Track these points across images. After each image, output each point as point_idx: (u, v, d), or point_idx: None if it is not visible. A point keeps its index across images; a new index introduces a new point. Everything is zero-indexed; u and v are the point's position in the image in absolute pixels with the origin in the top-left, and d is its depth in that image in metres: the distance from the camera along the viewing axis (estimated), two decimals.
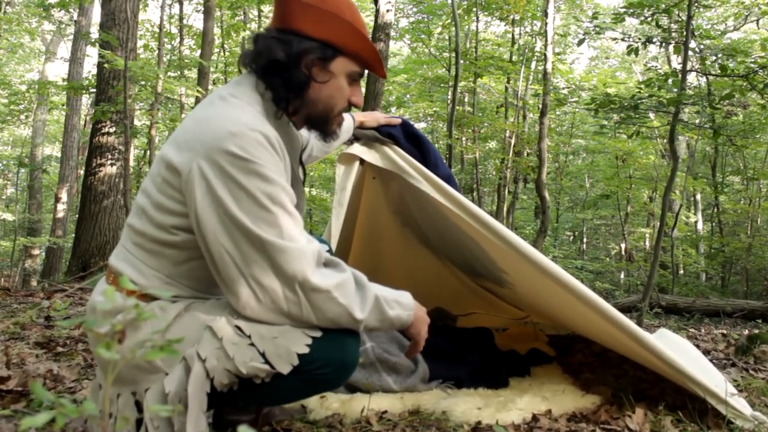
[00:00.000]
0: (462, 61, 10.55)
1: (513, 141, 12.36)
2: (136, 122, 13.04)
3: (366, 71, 1.90)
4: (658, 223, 5.39)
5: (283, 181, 1.64)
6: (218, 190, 1.56)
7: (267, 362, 1.59)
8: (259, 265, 1.57)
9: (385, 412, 2.31)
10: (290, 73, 1.75)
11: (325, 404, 2.30)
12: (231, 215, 1.56)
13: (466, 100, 15.55)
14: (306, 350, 1.60)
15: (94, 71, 10.16)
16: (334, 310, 1.60)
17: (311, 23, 1.74)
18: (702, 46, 6.05)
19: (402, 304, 1.75)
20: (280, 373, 1.60)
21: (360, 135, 2.66)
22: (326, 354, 1.63)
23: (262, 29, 1.83)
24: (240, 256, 1.57)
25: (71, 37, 16.01)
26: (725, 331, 5.32)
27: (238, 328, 1.61)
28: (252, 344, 1.60)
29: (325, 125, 1.88)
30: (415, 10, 14.77)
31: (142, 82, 8.62)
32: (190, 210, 1.61)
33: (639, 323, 4.60)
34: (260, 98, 1.75)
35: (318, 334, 1.62)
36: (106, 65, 7.37)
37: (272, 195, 1.58)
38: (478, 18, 12.66)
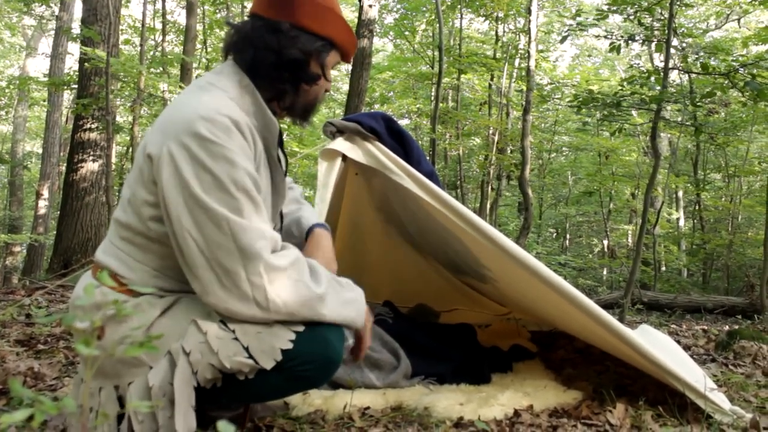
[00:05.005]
0: (446, 58, 10.57)
1: (496, 138, 12.38)
2: (119, 118, 12.96)
3: None
4: (641, 220, 5.42)
5: (250, 166, 1.63)
6: (185, 172, 1.56)
7: (251, 357, 1.59)
8: (222, 249, 1.56)
9: (368, 408, 2.31)
10: (304, 71, 1.79)
11: (308, 401, 2.30)
12: (195, 196, 1.55)
13: (449, 96, 15.56)
14: (290, 346, 1.60)
15: (76, 67, 10.07)
16: (297, 289, 1.61)
17: (313, 19, 1.77)
18: (684, 45, 6.10)
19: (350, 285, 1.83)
20: (264, 369, 1.60)
21: (343, 127, 2.65)
22: (310, 350, 1.64)
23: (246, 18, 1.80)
24: (203, 240, 1.56)
25: (52, 32, 15.86)
26: (706, 327, 5.36)
27: (223, 322, 1.61)
28: (236, 339, 1.60)
29: (308, 114, 1.92)
30: (399, 6, 14.76)
31: (125, 78, 8.56)
32: (159, 194, 1.61)
33: (621, 319, 4.63)
34: (237, 85, 1.74)
35: (301, 328, 1.63)
36: (87, 62, 7.30)
37: (237, 180, 1.58)
38: (462, 15, 12.67)
